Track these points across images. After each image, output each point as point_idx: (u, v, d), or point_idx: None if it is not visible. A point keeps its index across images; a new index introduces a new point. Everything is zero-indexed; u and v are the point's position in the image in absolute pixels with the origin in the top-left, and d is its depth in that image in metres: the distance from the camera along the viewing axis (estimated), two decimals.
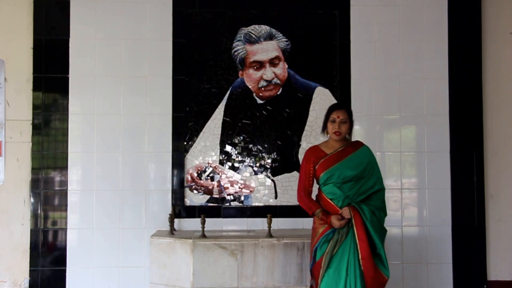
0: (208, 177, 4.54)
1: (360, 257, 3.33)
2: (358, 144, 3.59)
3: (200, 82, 4.56)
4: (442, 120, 4.61)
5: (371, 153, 3.56)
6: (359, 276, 3.31)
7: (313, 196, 3.58)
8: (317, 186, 3.56)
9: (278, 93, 4.59)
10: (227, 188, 4.53)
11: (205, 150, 4.55)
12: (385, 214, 3.50)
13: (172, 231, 4.18)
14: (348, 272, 3.32)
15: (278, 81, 4.58)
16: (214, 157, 4.55)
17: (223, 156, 4.56)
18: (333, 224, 3.39)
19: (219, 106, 4.56)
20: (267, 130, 4.58)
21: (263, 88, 4.58)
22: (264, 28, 4.60)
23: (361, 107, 4.56)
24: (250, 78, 4.58)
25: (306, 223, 4.47)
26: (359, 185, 3.46)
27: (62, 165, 4.43)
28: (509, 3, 4.74)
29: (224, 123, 4.56)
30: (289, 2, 4.62)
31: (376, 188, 3.50)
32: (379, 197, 3.50)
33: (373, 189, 3.49)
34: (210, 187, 4.53)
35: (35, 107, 4.44)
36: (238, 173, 4.55)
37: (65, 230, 4.40)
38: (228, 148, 4.56)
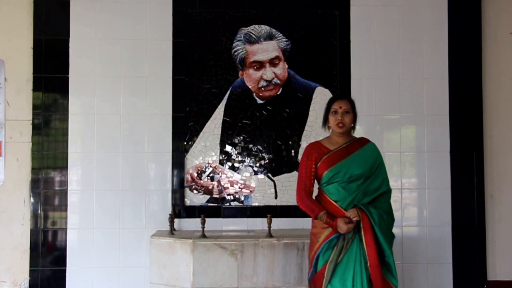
0: (208, 177, 4.53)
1: (368, 265, 3.09)
2: (364, 140, 3.35)
3: (200, 82, 4.56)
4: (442, 120, 4.60)
5: (378, 150, 3.32)
6: (366, 286, 3.08)
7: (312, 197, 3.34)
8: (317, 186, 3.39)
9: (278, 93, 4.58)
10: (227, 188, 4.53)
11: (205, 150, 4.55)
12: (393, 219, 3.25)
13: (172, 231, 4.18)
14: (355, 282, 3.09)
15: (278, 81, 4.58)
16: (214, 157, 4.55)
17: (223, 156, 4.56)
18: (339, 229, 3.12)
19: (219, 106, 4.56)
20: (267, 130, 4.58)
21: (263, 88, 4.58)
22: (264, 28, 4.60)
23: (361, 107, 4.51)
24: (250, 78, 4.58)
25: (306, 223, 4.47)
26: (365, 184, 3.21)
27: (62, 165, 4.43)
28: (509, 3, 4.74)
29: (224, 123, 4.56)
30: (289, 2, 4.62)
31: (383, 190, 3.25)
32: (386, 200, 3.25)
33: (380, 191, 3.24)
34: (210, 187, 4.53)
35: (35, 107, 4.44)
36: (238, 173, 4.55)
37: (65, 230, 4.40)
38: (228, 148, 4.56)
